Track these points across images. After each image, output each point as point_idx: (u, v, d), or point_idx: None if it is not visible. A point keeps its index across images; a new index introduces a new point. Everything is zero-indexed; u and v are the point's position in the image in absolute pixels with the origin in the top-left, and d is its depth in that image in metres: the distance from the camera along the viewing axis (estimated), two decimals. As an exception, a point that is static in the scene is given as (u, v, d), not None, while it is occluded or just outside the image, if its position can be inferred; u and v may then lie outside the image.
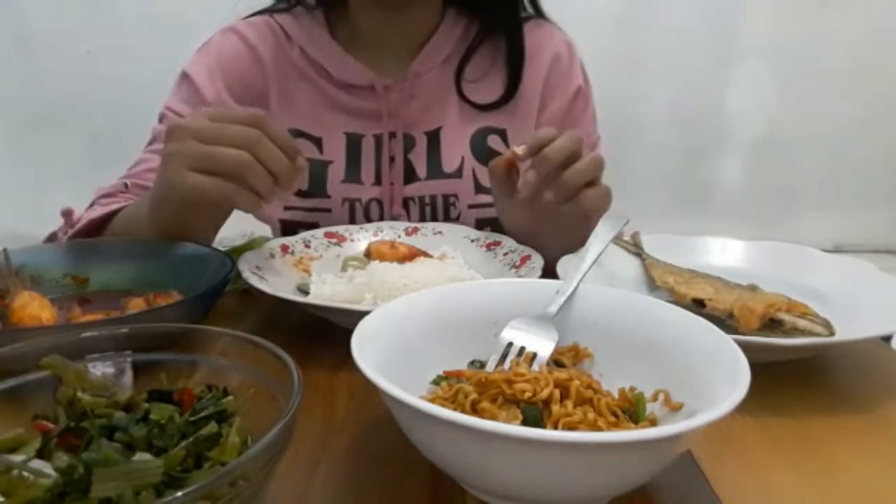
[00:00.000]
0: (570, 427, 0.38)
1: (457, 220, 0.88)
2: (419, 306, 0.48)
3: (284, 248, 0.74)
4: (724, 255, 0.73)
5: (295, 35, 0.88)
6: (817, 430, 0.47)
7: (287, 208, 0.89)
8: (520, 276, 0.65)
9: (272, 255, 0.71)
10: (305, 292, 0.64)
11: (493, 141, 0.90)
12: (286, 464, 0.35)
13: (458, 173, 0.88)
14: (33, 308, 0.58)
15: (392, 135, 0.87)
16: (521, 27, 0.89)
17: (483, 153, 0.89)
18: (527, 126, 0.90)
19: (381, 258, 0.71)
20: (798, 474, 0.42)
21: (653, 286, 0.67)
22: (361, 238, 0.80)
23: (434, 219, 0.88)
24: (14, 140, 2.79)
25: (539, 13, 0.93)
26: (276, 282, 0.65)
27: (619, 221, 0.60)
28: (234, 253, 0.69)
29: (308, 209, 0.88)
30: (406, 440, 0.38)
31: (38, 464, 0.34)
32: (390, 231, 0.81)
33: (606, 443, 0.32)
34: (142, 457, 0.34)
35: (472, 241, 0.78)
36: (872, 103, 2.73)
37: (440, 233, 0.80)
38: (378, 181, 0.88)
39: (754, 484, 0.41)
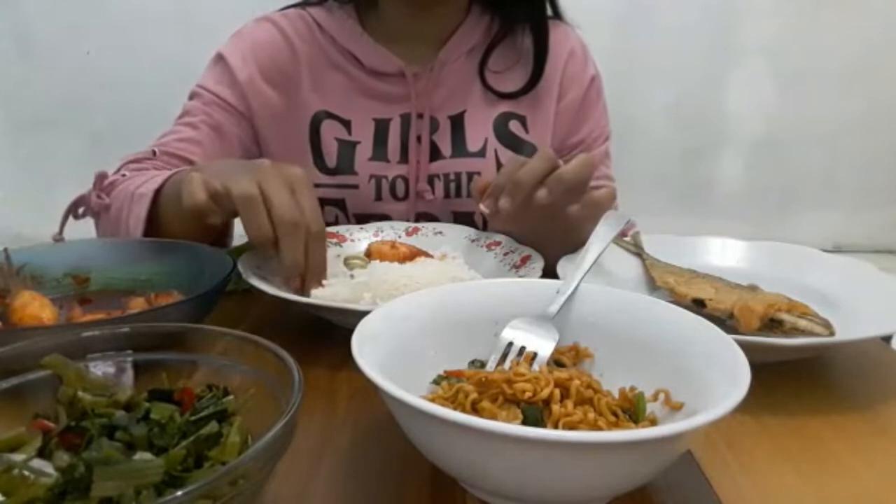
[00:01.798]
0: (571, 427, 0.38)
1: None
2: (419, 306, 0.48)
3: (285, 248, 0.73)
4: (724, 255, 0.74)
5: (327, 26, 0.92)
6: (817, 430, 0.47)
7: (315, 185, 0.89)
8: (520, 276, 0.65)
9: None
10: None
11: (515, 126, 0.93)
12: (286, 464, 0.35)
13: (482, 153, 0.91)
14: (34, 308, 0.58)
15: (419, 115, 0.91)
16: (547, 25, 0.94)
17: (505, 136, 0.92)
18: (545, 115, 0.95)
19: (382, 258, 0.71)
20: (798, 474, 0.42)
21: (653, 286, 0.67)
22: (362, 238, 0.80)
23: (458, 196, 0.91)
24: (14, 140, 2.79)
25: (557, 14, 0.98)
26: (277, 282, 0.65)
27: (620, 221, 0.60)
28: (235, 253, 0.69)
29: (335, 186, 0.91)
30: (406, 440, 0.38)
31: (38, 463, 0.34)
32: (391, 231, 0.81)
33: (606, 443, 0.32)
34: (142, 456, 0.34)
35: (472, 241, 0.78)
36: (872, 103, 2.73)
37: (440, 233, 0.80)
38: (404, 159, 0.91)
39: (754, 484, 0.41)
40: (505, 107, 0.94)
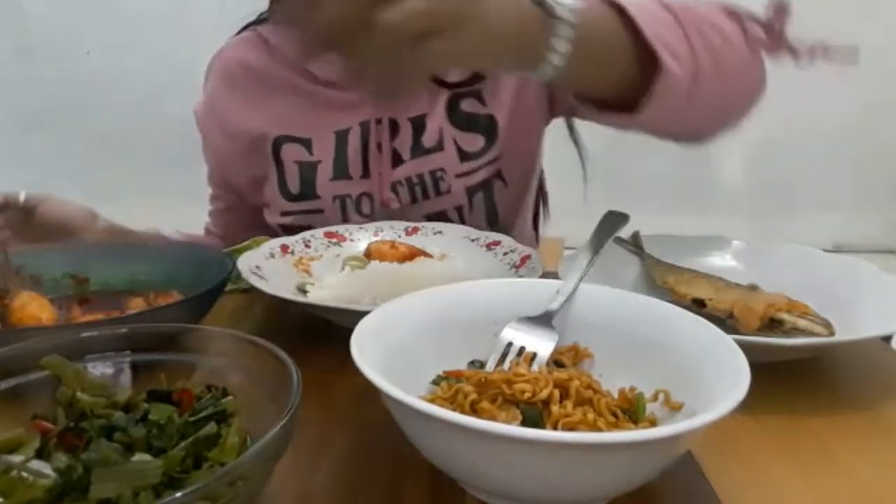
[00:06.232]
0: (570, 427, 0.38)
1: (447, 192, 0.87)
2: (419, 306, 0.48)
3: (284, 248, 0.74)
4: (724, 255, 0.73)
5: (278, 43, 0.89)
6: (817, 430, 0.47)
7: (284, 213, 0.90)
8: (520, 276, 0.65)
9: (272, 255, 0.71)
10: (305, 292, 0.64)
11: (469, 104, 0.87)
12: (286, 464, 0.35)
13: (440, 146, 0.86)
14: (33, 308, 0.58)
15: (378, 121, 0.87)
16: None
17: (461, 119, 0.86)
18: (504, 81, 0.86)
19: (382, 258, 0.71)
20: (798, 474, 0.42)
21: (653, 286, 0.67)
22: (361, 238, 0.79)
23: (425, 197, 0.87)
24: (14, 141, 2.79)
25: None
26: (276, 282, 0.65)
27: (619, 221, 0.60)
28: (235, 253, 0.69)
29: (300, 212, 0.89)
30: (406, 440, 0.38)
31: (37, 464, 0.34)
32: (390, 231, 0.81)
33: (606, 443, 0.32)
34: (141, 457, 0.34)
35: (472, 241, 0.78)
36: (872, 103, 2.73)
37: (440, 233, 0.80)
38: (366, 173, 0.87)
39: (754, 484, 0.41)
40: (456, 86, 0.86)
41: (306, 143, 0.88)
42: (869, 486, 0.41)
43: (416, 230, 0.81)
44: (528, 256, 0.69)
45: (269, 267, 0.68)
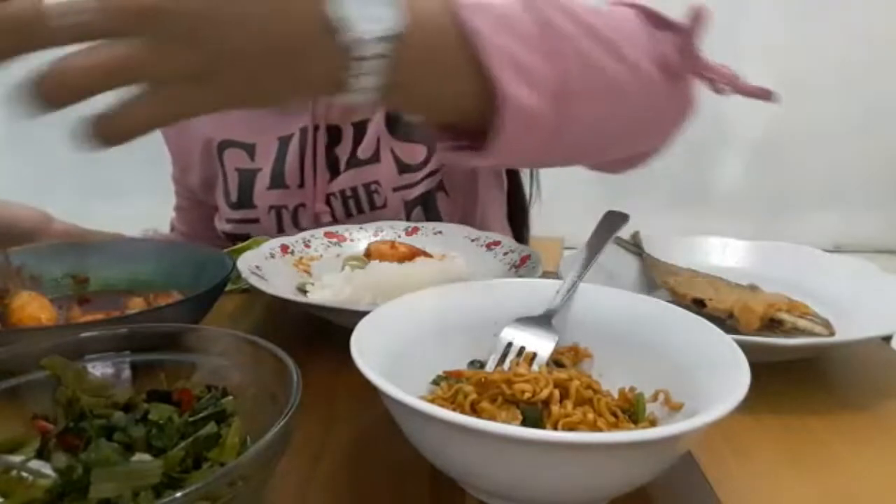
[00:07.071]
0: (570, 427, 0.38)
1: (383, 207, 0.84)
2: (419, 306, 0.48)
3: (284, 248, 0.74)
4: (724, 255, 0.73)
5: None
6: (817, 430, 0.47)
7: (227, 220, 0.89)
8: (520, 276, 0.65)
9: (272, 255, 0.71)
10: (305, 292, 0.64)
11: None
12: (286, 464, 0.35)
13: (376, 157, 0.82)
14: (33, 308, 0.58)
15: (316, 127, 0.83)
16: None
17: (400, 128, 0.82)
18: None
19: (382, 258, 0.71)
20: (798, 474, 0.42)
21: (653, 286, 0.67)
22: (361, 238, 0.79)
23: (359, 211, 0.84)
24: (14, 140, 2.79)
25: None
26: (276, 282, 0.65)
27: (619, 221, 0.60)
28: (234, 253, 0.69)
29: (238, 221, 0.87)
30: (406, 440, 0.38)
31: (37, 464, 0.34)
32: (390, 231, 0.81)
33: (606, 443, 0.32)
34: (141, 457, 0.34)
35: (472, 241, 0.78)
36: (872, 103, 2.73)
37: (440, 233, 0.80)
38: (303, 184, 0.85)
39: (754, 484, 0.41)
40: None
41: (249, 149, 0.86)
42: (869, 485, 0.41)
43: (416, 230, 0.81)
44: (528, 256, 0.69)
45: (269, 267, 0.68)
